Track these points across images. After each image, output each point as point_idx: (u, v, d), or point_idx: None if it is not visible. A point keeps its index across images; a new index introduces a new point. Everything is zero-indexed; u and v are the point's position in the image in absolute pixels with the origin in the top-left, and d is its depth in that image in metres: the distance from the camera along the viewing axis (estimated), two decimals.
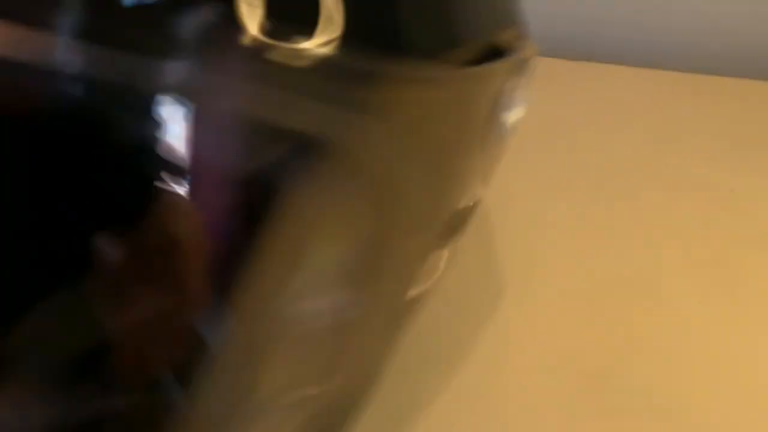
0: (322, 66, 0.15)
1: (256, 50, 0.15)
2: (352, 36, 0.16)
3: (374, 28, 0.17)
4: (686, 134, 0.50)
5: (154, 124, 0.17)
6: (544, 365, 0.32)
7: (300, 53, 0.15)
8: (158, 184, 0.18)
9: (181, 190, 0.18)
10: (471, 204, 0.25)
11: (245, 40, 0.14)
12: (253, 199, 0.17)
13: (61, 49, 0.14)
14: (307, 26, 0.15)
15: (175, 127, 0.17)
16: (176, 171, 0.18)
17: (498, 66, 0.21)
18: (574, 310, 0.35)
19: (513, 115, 0.24)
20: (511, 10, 0.23)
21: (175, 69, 0.14)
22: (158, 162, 0.17)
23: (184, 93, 0.16)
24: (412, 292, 0.23)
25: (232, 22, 0.14)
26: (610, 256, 0.39)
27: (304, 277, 0.18)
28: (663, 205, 0.43)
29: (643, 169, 0.46)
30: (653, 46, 0.58)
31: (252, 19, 0.14)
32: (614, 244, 0.40)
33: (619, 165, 0.46)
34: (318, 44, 0.15)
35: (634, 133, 0.50)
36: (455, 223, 0.24)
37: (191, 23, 0.14)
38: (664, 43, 0.58)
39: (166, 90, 0.16)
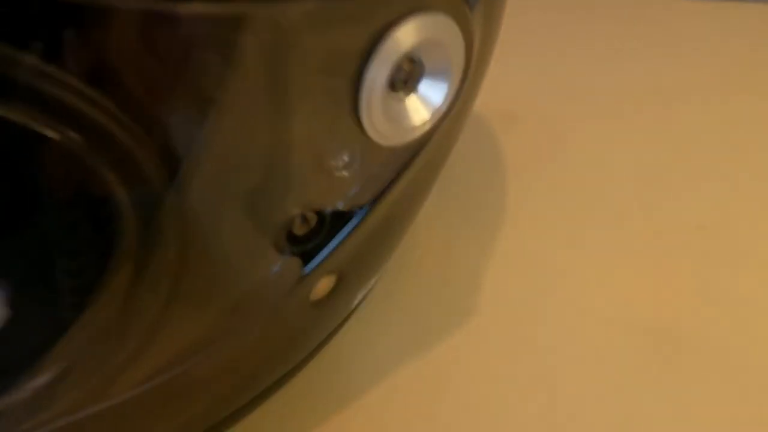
0: None
1: None
2: None
3: None
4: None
5: None
6: (603, 318, 0.30)
7: None
8: None
9: None
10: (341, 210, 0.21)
11: None
12: None
13: None
14: None
15: None
16: None
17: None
18: (637, 258, 0.32)
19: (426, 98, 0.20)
20: None
21: None
22: None
23: None
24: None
25: None
26: (679, 201, 0.36)
27: None
28: (737, 143, 0.39)
29: (713, 107, 0.42)
30: None
31: None
32: (684, 187, 0.37)
33: (687, 103, 0.43)
34: None
35: (704, 67, 0.46)
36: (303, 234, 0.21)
37: None
38: None
39: None
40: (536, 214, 0.35)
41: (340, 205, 0.20)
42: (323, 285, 0.23)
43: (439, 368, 0.28)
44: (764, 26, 0.50)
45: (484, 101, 0.42)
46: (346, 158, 0.19)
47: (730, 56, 0.47)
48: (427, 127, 0.20)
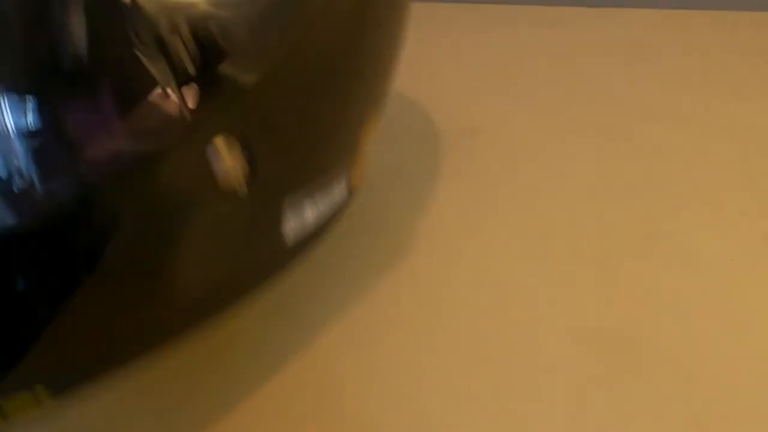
0: None
1: None
2: None
3: None
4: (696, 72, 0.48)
5: None
6: (554, 324, 0.30)
7: None
8: None
9: None
10: None
11: None
12: None
13: None
14: None
15: None
16: None
17: None
18: (587, 266, 0.33)
19: None
20: None
21: None
22: None
23: None
24: None
25: None
26: (629, 211, 0.36)
27: None
28: (686, 150, 0.40)
29: (662, 120, 0.44)
30: None
31: None
32: (633, 197, 0.37)
33: (637, 116, 0.44)
34: None
35: (645, 74, 0.48)
36: None
37: None
38: None
39: None
40: (490, 223, 0.36)
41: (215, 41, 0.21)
42: (230, 161, 0.24)
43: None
44: (713, 37, 0.52)
45: (448, 117, 0.44)
46: None
47: (682, 67, 0.49)
48: None
